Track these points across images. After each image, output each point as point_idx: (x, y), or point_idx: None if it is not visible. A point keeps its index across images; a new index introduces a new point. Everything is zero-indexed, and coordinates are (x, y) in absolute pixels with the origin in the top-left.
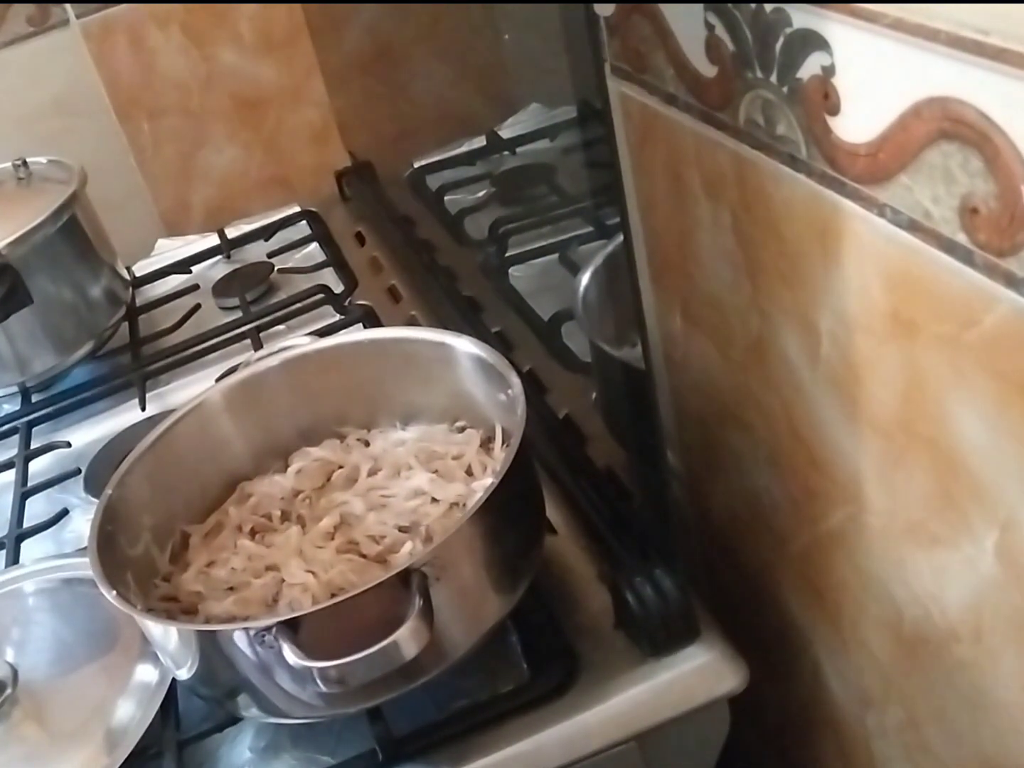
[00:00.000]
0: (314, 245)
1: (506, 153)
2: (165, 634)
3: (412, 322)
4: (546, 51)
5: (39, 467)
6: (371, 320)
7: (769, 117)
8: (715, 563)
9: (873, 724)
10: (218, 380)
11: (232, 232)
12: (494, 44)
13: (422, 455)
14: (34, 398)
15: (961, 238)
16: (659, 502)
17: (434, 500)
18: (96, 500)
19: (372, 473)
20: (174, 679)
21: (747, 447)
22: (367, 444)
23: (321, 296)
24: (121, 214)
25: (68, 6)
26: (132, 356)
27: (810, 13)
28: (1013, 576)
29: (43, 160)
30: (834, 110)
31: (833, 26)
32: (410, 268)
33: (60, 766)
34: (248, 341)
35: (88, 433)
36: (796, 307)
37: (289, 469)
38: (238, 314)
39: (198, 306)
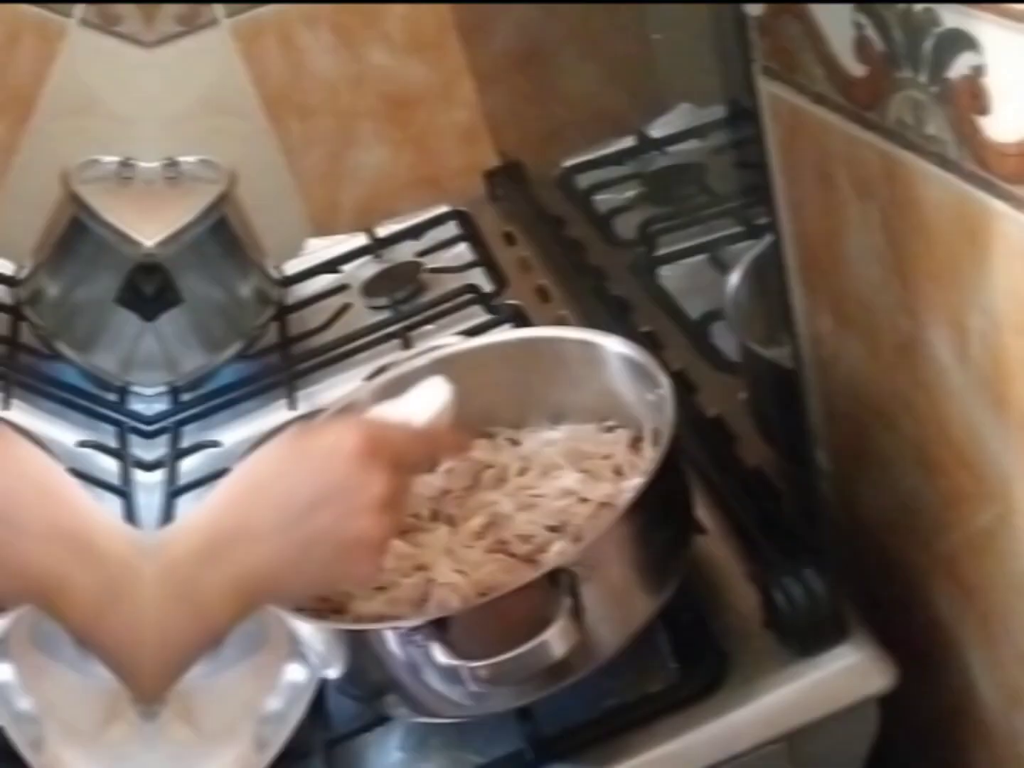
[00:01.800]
0: (463, 245)
1: (656, 153)
2: (314, 633)
3: (561, 322)
4: (696, 51)
5: (189, 466)
6: (520, 320)
7: (918, 117)
8: (863, 562)
9: (1021, 724)
10: (366, 379)
11: (381, 232)
12: (644, 44)
13: (571, 455)
14: (184, 397)
15: None
16: (808, 501)
17: (583, 500)
18: None
19: (521, 473)
20: (323, 678)
21: (896, 447)
22: (516, 443)
23: (470, 296)
24: (270, 214)
25: (218, 5)
26: (281, 355)
27: (960, 13)
28: None
29: (193, 159)
30: (984, 110)
31: (982, 26)
32: (559, 268)
33: (209, 765)
34: (397, 341)
35: (238, 432)
36: (945, 307)
37: (439, 468)
38: (387, 314)
39: (347, 306)
